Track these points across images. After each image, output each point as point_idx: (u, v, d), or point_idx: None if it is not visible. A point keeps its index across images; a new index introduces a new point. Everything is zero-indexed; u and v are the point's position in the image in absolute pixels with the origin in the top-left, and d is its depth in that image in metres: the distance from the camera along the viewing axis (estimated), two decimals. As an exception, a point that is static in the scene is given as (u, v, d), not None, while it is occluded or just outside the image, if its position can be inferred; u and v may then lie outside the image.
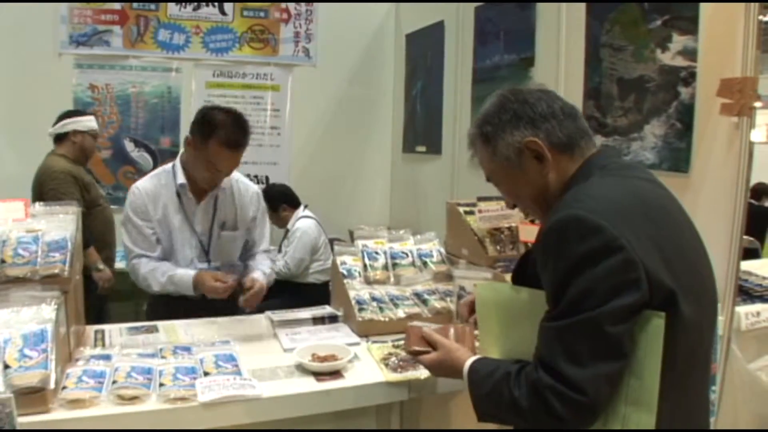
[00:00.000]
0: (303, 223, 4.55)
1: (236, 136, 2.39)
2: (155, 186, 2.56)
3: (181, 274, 2.48)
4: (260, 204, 2.75)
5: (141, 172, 5.05)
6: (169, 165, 2.61)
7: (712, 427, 2.26)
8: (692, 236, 1.39)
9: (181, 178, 2.53)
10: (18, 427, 1.43)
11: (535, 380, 1.24)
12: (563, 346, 1.21)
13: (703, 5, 2.38)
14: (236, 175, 2.65)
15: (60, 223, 2.08)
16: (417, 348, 1.64)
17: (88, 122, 4.03)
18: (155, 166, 5.03)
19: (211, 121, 2.38)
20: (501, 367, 1.35)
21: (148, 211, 2.53)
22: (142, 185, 2.57)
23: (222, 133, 2.35)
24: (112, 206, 4.13)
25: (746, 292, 2.84)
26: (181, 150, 2.59)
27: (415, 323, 1.76)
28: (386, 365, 1.98)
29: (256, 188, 2.76)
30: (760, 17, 2.23)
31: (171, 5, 5.01)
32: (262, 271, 2.58)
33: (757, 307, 2.64)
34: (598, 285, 1.18)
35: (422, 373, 1.89)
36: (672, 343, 1.20)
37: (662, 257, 1.22)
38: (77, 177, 3.83)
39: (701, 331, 1.31)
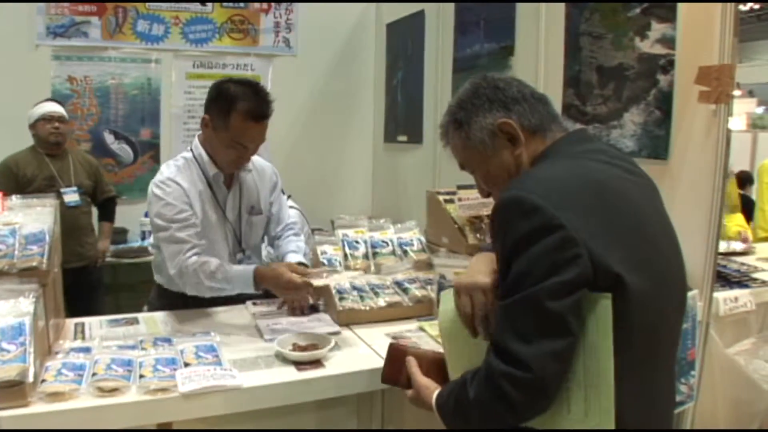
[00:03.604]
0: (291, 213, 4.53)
1: (259, 106, 2.25)
2: (188, 178, 2.37)
3: (237, 268, 2.28)
4: (278, 180, 2.67)
5: (121, 165, 5.03)
6: (187, 154, 2.43)
7: (691, 412, 2.29)
8: (658, 220, 1.40)
9: (213, 168, 2.38)
10: (-4, 421, 1.43)
11: (488, 365, 1.25)
12: (508, 324, 1.23)
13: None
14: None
15: (37, 216, 2.06)
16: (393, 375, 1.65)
17: (33, 111, 3.98)
18: (136, 159, 5.05)
19: (228, 95, 2.24)
20: (458, 382, 1.37)
21: (187, 202, 2.33)
22: (175, 178, 2.34)
23: (243, 105, 2.21)
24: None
25: (724, 278, 2.89)
26: (195, 140, 2.45)
27: (399, 343, 1.78)
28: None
29: (270, 165, 2.67)
30: (740, 6, 2.25)
31: (150, -4, 4.97)
32: (292, 252, 2.54)
33: (735, 292, 2.68)
34: (538, 263, 1.19)
35: None
36: (625, 324, 1.21)
37: (613, 239, 1.23)
38: (16, 169, 3.87)
39: (662, 314, 1.32)
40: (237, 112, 2.22)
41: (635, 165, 1.48)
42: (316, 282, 2.12)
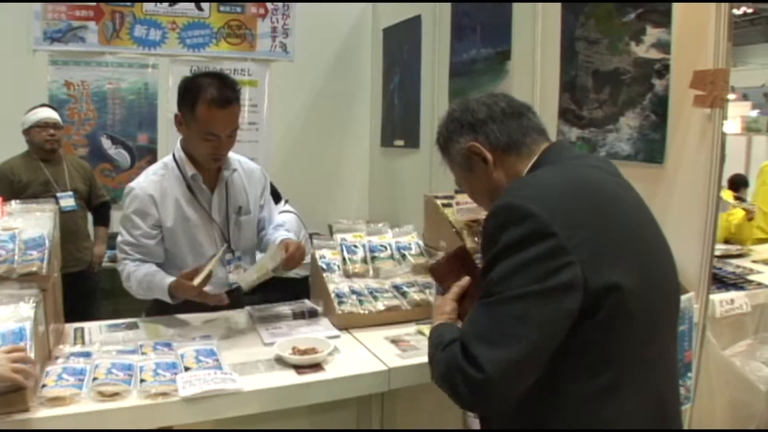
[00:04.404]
0: (283, 217, 4.53)
1: (223, 92, 2.26)
2: (159, 184, 2.41)
3: (158, 278, 2.31)
4: (266, 182, 2.69)
5: (119, 170, 5.03)
6: (168, 158, 2.48)
7: (689, 413, 2.31)
8: (648, 221, 1.42)
9: (191, 170, 2.40)
10: (-3, 426, 1.43)
11: (452, 353, 1.27)
12: (479, 321, 1.25)
13: (675, -1, 2.42)
14: (238, 157, 2.58)
15: (37, 221, 2.07)
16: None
17: (27, 117, 3.98)
18: (133, 164, 5.06)
19: (193, 87, 2.27)
20: (451, 335, 1.36)
21: (153, 214, 2.39)
22: (145, 186, 2.40)
23: (207, 93, 2.24)
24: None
25: (720, 280, 2.90)
26: (177, 143, 2.48)
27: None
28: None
29: (259, 167, 2.69)
30: (732, 11, 2.27)
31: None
32: (286, 232, 2.57)
33: (731, 294, 2.70)
34: (524, 269, 1.21)
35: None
36: (619, 327, 1.24)
37: (608, 243, 1.25)
38: (11, 175, 3.89)
39: (658, 314, 1.34)
40: (202, 101, 2.24)
41: (616, 168, 1.51)
42: (196, 281, 2.14)
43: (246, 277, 2.27)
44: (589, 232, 1.24)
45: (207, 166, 2.43)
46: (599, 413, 1.25)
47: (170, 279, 2.28)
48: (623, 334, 1.24)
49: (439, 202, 2.82)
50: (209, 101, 2.24)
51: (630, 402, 1.26)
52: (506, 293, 1.21)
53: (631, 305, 1.24)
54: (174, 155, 2.47)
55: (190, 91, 2.29)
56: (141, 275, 2.35)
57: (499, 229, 1.26)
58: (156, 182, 2.42)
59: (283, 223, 2.73)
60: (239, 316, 2.44)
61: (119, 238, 2.45)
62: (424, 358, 1.94)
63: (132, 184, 2.45)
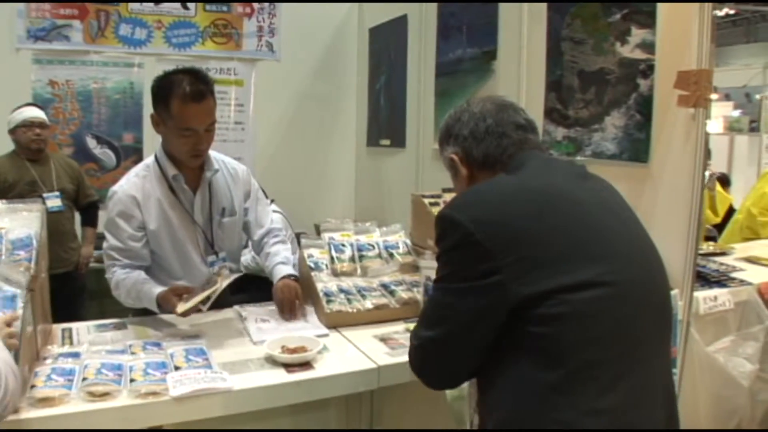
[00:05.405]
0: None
1: (195, 86, 2.24)
2: (141, 186, 2.40)
3: (147, 288, 2.30)
4: (252, 182, 2.67)
5: (104, 170, 4.99)
6: (150, 160, 2.47)
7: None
8: (617, 224, 1.43)
9: (173, 170, 2.39)
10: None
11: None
12: (426, 307, 1.54)
13: (659, -1, 2.44)
14: (222, 157, 2.57)
15: (24, 221, 2.06)
16: None
17: (13, 116, 3.95)
18: (119, 163, 5.02)
19: (166, 84, 2.27)
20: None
21: (137, 216, 2.38)
22: (127, 188, 2.40)
23: (180, 89, 2.22)
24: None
25: (704, 278, 2.94)
26: (158, 144, 2.47)
27: None
28: None
29: (244, 167, 2.67)
30: (715, 12, 2.30)
31: (132, -1, 4.94)
32: (281, 263, 2.53)
33: (714, 291, 2.73)
34: (458, 270, 1.37)
35: None
36: (580, 326, 1.27)
37: (545, 246, 1.31)
38: None
39: (633, 309, 1.34)
40: (175, 97, 2.24)
41: (586, 171, 1.55)
42: (180, 308, 2.13)
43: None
44: (525, 237, 1.31)
45: (188, 164, 2.41)
46: (561, 409, 1.25)
47: (158, 290, 2.27)
48: (577, 333, 1.26)
49: (426, 201, 2.83)
50: (183, 96, 2.23)
51: (591, 401, 1.25)
52: (443, 286, 1.41)
53: (582, 306, 1.27)
54: (156, 156, 2.46)
55: (162, 88, 2.28)
56: (130, 284, 2.33)
57: (439, 236, 1.42)
58: (138, 184, 2.41)
59: (283, 240, 2.72)
60: (228, 316, 2.44)
61: (105, 244, 2.43)
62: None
63: (114, 188, 2.43)
